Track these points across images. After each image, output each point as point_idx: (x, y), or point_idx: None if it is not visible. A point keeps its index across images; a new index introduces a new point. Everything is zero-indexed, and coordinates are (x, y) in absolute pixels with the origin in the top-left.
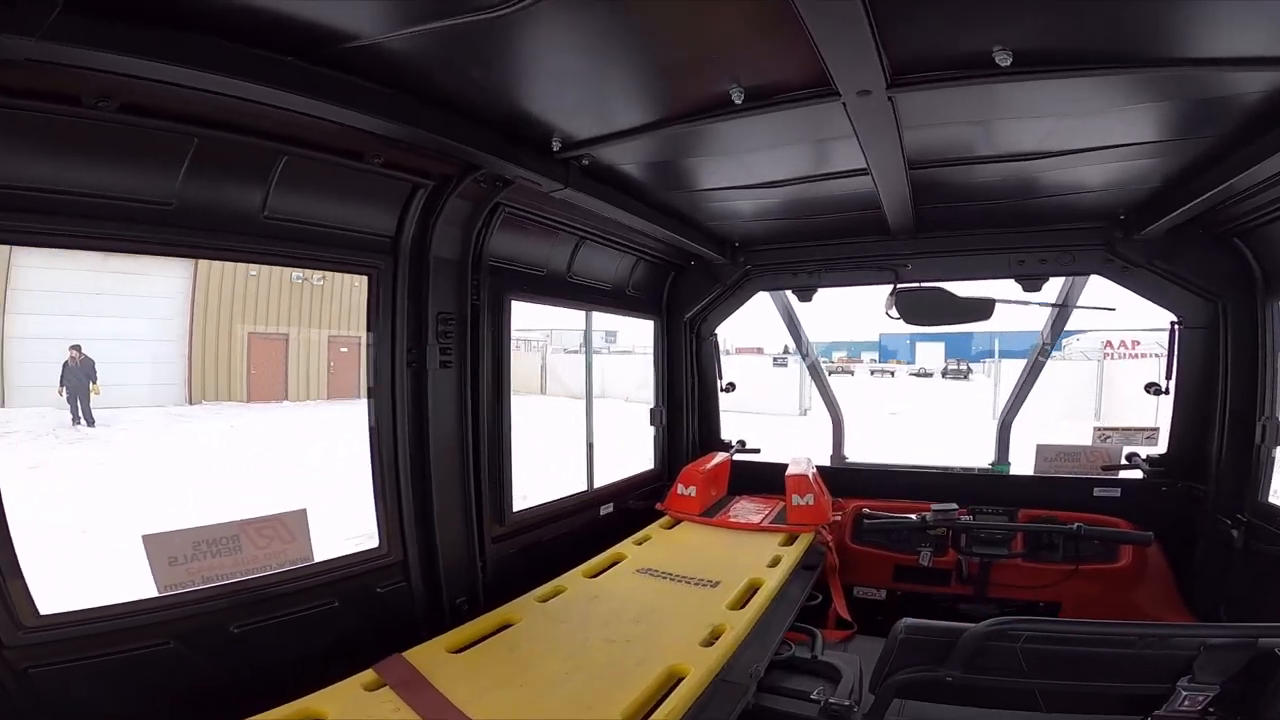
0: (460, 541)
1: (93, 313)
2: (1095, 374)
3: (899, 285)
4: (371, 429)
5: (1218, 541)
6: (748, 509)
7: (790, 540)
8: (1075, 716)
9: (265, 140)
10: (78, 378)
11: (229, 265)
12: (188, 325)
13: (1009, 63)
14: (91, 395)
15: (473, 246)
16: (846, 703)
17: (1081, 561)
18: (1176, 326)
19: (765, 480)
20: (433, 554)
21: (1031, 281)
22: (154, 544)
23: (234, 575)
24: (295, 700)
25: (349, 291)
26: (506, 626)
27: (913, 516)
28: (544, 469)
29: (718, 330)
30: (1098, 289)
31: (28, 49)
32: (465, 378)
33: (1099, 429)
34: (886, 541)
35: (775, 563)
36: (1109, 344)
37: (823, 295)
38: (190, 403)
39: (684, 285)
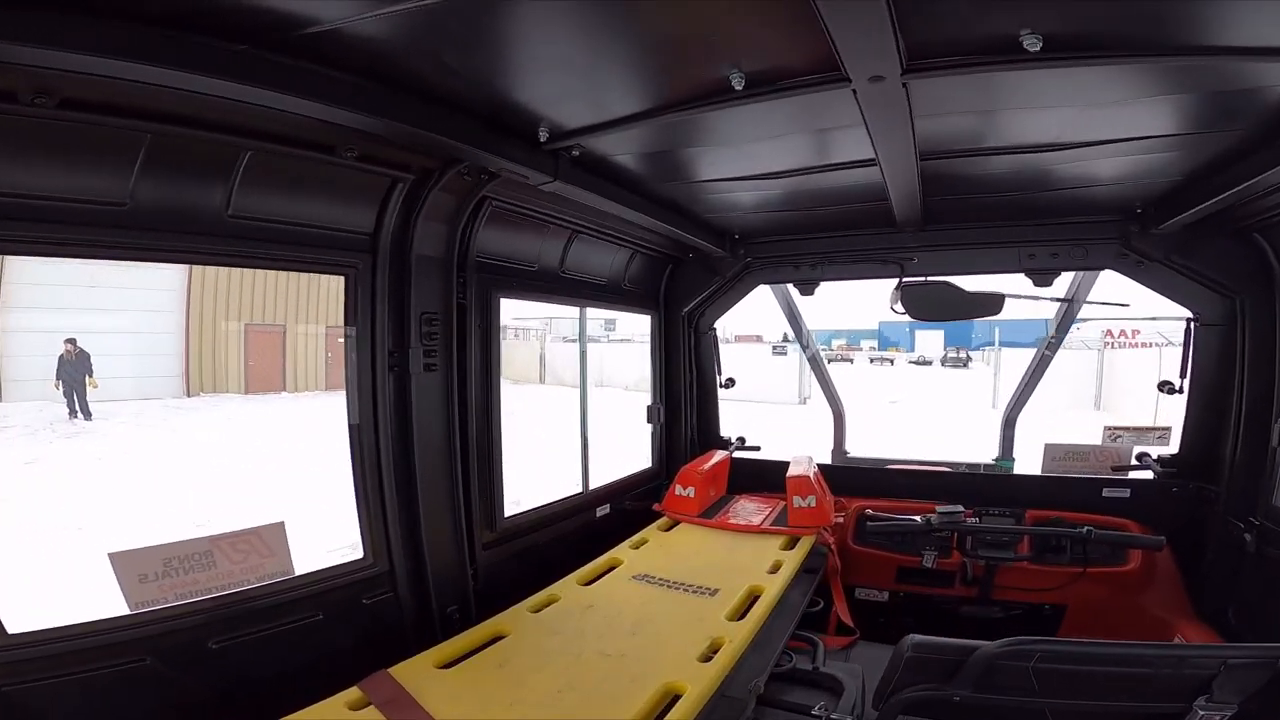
0: (449, 549)
1: (88, 306)
2: (1096, 363)
3: (904, 279)
4: (353, 438)
5: (1229, 544)
6: (748, 509)
7: (791, 544)
8: None
9: (224, 135)
10: (73, 371)
11: None
12: (184, 317)
13: (1039, 47)
14: (89, 389)
15: (458, 243)
16: (849, 718)
17: (1089, 564)
18: (1192, 323)
19: (766, 478)
20: (421, 563)
21: (1042, 276)
22: (122, 562)
23: (210, 591)
24: None
25: None
26: (498, 639)
27: (917, 518)
28: (542, 463)
29: (716, 323)
30: (1106, 283)
31: None
32: (452, 380)
33: (1109, 428)
34: (889, 543)
35: (776, 568)
36: (1109, 333)
37: (823, 284)
38: (188, 395)
39: (682, 278)
